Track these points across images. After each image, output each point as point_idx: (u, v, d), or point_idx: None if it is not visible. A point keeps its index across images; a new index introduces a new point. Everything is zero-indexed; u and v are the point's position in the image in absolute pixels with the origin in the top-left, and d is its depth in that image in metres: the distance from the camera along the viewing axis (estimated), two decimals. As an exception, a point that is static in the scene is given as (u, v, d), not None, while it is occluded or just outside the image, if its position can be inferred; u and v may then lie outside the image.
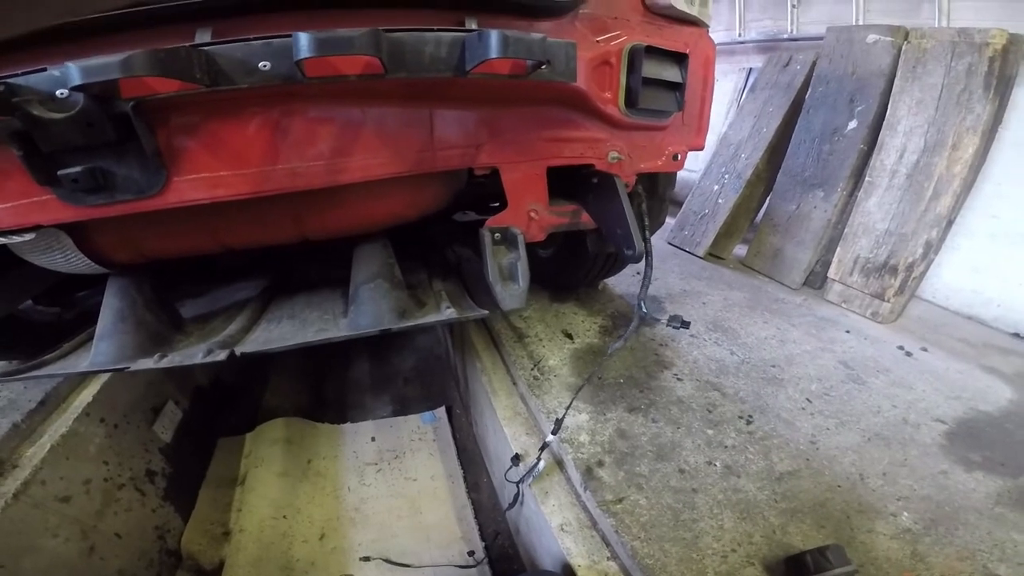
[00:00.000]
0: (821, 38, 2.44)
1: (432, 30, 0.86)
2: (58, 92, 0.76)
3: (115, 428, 1.45)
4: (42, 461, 1.24)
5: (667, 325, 1.27)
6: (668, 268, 2.44)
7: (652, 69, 1.08)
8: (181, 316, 1.21)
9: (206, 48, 0.76)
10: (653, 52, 1.07)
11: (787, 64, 2.56)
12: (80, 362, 1.08)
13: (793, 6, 2.73)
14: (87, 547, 1.31)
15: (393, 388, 2.23)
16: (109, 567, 1.36)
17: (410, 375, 2.30)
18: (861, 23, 2.44)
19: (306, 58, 0.73)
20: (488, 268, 1.13)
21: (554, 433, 1.31)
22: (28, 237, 0.89)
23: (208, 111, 0.86)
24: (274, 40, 0.78)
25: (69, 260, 1.01)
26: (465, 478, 1.90)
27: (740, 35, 3.38)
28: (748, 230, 2.71)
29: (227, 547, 1.67)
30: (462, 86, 0.97)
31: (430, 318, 1.16)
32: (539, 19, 1.01)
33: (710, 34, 1.19)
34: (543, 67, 0.92)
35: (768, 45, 2.81)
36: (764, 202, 2.55)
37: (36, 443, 1.27)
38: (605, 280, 2.03)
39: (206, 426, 1.92)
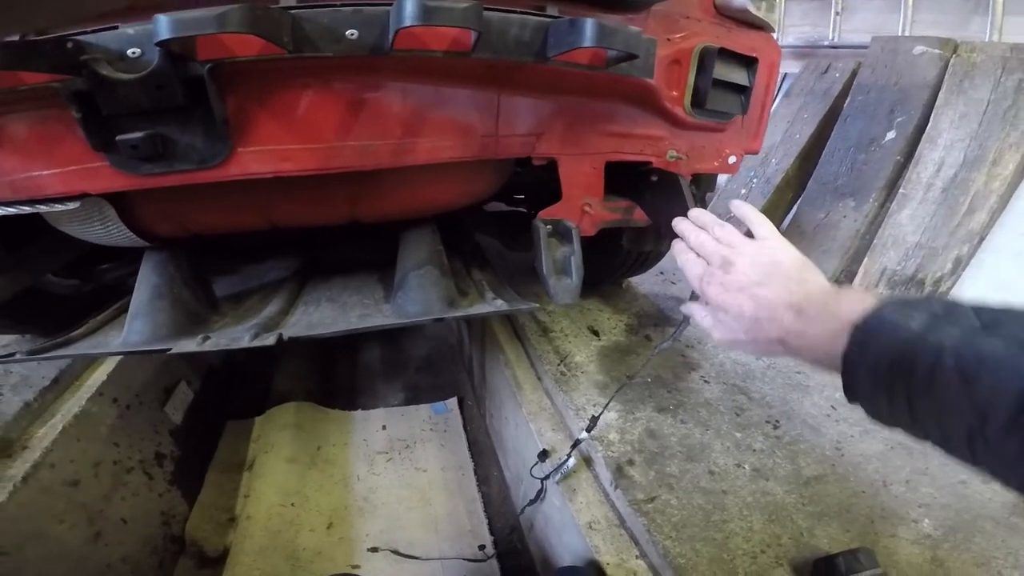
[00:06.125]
0: (862, 47, 2.40)
1: (521, 12, 0.83)
2: (130, 51, 0.71)
3: (127, 409, 1.39)
4: (53, 443, 1.18)
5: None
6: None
7: (722, 71, 1.07)
8: (216, 295, 1.15)
9: (294, 11, 0.72)
10: (723, 54, 1.07)
11: (825, 71, 2.51)
12: (111, 341, 1.01)
13: (837, 13, 2.70)
14: (93, 533, 1.26)
15: (404, 376, 2.19)
16: (114, 554, 1.31)
17: (422, 363, 2.26)
18: (907, 34, 2.42)
19: (408, 27, 0.69)
20: (542, 261, 1.10)
21: (588, 431, 1.30)
22: (72, 206, 0.83)
23: (282, 80, 0.82)
24: (365, 8, 0.74)
25: (109, 231, 0.95)
26: (475, 471, 1.88)
27: (778, 40, 3.37)
28: (774, 236, 2.69)
29: (232, 534, 1.62)
30: (532, 73, 0.95)
31: (479, 309, 1.13)
32: (616, 12, 0.99)
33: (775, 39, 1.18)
34: (624, 61, 0.91)
35: (806, 51, 2.77)
36: (791, 209, 2.51)
37: (47, 423, 1.21)
38: (628, 279, 2.03)
39: (216, 408, 1.86)
